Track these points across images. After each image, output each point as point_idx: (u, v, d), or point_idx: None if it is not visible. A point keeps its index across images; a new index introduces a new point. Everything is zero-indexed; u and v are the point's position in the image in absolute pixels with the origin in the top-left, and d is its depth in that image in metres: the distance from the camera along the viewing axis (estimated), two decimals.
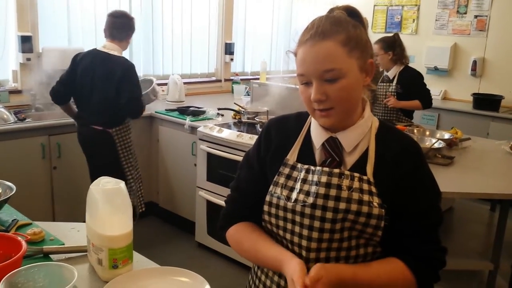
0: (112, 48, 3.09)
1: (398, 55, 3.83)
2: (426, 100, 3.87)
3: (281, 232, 1.18)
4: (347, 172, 1.11)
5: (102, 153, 3.16)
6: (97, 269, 1.29)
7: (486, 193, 2.45)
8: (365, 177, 1.11)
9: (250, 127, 3.44)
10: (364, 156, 1.14)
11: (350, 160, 1.15)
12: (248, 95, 4.40)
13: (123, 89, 3.00)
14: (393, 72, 3.89)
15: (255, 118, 3.52)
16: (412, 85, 3.82)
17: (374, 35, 5.91)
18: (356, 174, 1.11)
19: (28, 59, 3.65)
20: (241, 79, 5.33)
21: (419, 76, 3.91)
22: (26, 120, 3.40)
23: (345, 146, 1.15)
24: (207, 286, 1.19)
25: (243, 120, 3.58)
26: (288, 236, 1.16)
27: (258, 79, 4.97)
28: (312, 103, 1.10)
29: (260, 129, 1.32)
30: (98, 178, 1.32)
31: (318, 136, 1.18)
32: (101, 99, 3.04)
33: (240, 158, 1.38)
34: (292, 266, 1.07)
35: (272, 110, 3.53)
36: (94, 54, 3.09)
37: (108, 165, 3.12)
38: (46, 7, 3.79)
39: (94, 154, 3.20)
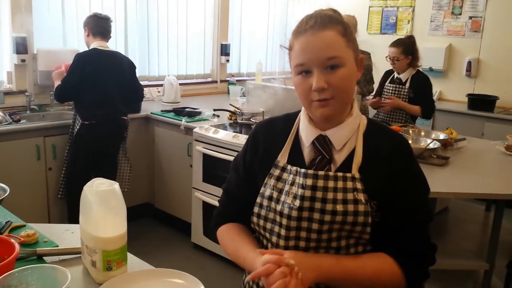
0: (108, 46, 3.41)
1: (416, 58, 3.75)
2: (427, 109, 3.79)
3: (267, 235, 1.20)
4: (331, 174, 1.13)
5: (121, 140, 3.56)
6: (91, 271, 1.28)
7: (481, 193, 2.45)
8: (349, 175, 1.12)
9: (246, 128, 3.44)
10: (352, 154, 1.15)
11: (339, 157, 1.16)
12: (244, 96, 4.40)
13: (136, 78, 3.62)
14: (406, 75, 3.79)
15: (251, 119, 3.52)
16: (421, 90, 3.75)
17: (369, 36, 5.93)
18: (340, 174, 1.12)
19: (23, 60, 3.63)
20: (237, 80, 5.33)
21: (429, 82, 3.81)
22: (21, 122, 3.38)
23: (334, 143, 1.16)
24: (202, 287, 1.18)
25: (239, 121, 3.58)
26: (274, 239, 1.18)
27: (253, 80, 4.97)
28: (310, 94, 1.11)
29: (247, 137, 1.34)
30: (92, 180, 1.32)
31: (307, 134, 1.19)
32: (126, 91, 3.48)
33: None
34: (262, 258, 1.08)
35: (268, 111, 3.53)
36: (102, 53, 3.35)
37: (117, 150, 3.57)
38: (41, 8, 3.78)
39: (115, 142, 3.52)
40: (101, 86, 3.28)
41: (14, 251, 1.20)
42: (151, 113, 3.94)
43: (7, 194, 1.57)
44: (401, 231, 1.13)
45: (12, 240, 1.26)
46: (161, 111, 3.97)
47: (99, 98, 3.27)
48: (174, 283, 1.23)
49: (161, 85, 4.53)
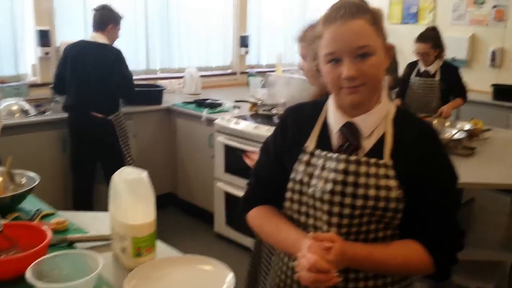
0: (98, 38, 3.27)
1: (443, 50, 3.69)
2: (465, 95, 3.77)
3: (302, 218, 1.21)
4: (363, 159, 1.13)
5: (105, 141, 3.31)
6: (121, 258, 1.30)
7: (508, 183, 2.41)
8: (381, 162, 1.13)
9: (267, 119, 3.43)
10: (381, 141, 1.15)
11: (367, 144, 1.16)
12: (264, 87, 4.39)
13: (116, 71, 3.22)
14: (434, 67, 3.73)
15: (272, 110, 3.51)
16: (454, 80, 3.72)
17: (390, 26, 5.85)
18: (373, 160, 1.13)
19: (47, 53, 3.69)
20: (257, 72, 5.31)
21: (459, 70, 3.78)
22: (46, 113, 3.43)
23: (362, 130, 1.16)
24: (231, 274, 1.19)
25: (259, 112, 3.57)
26: (311, 221, 1.19)
27: (273, 71, 4.94)
28: (340, 81, 1.11)
29: (277, 121, 1.34)
30: (120, 168, 1.33)
31: (335, 121, 1.20)
32: (99, 85, 3.20)
33: (257, 150, 1.40)
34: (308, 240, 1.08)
35: (288, 102, 3.50)
36: (84, 44, 3.28)
37: (110, 151, 3.33)
38: (63, 1, 3.82)
39: (95, 142, 3.29)
40: (77, 78, 3.22)
41: (46, 237, 1.23)
42: (173, 104, 3.96)
43: (37, 182, 1.60)
44: (429, 217, 1.14)
45: (44, 227, 1.29)
46: (183, 102, 3.98)
47: (73, 90, 3.25)
48: (203, 269, 1.24)
49: (181, 77, 4.54)
